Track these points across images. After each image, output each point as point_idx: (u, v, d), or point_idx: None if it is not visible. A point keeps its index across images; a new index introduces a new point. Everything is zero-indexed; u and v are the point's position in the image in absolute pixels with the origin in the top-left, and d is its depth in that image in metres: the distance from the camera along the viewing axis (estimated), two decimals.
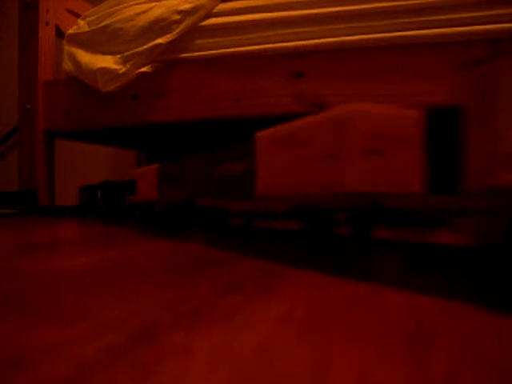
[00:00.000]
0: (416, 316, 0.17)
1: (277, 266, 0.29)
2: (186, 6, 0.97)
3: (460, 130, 0.26)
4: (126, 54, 1.00)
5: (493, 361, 0.13)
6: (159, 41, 0.97)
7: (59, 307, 0.19)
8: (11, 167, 1.47)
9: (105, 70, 1.01)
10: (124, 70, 1.00)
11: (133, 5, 1.04)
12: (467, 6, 0.80)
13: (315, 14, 0.89)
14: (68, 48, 1.13)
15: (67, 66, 1.12)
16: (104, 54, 1.05)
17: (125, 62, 1.00)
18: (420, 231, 0.31)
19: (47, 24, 1.21)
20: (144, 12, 1.01)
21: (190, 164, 0.62)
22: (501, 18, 0.78)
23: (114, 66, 1.01)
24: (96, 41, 1.08)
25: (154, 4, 1.02)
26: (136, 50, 0.99)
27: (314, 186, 0.36)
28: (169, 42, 0.97)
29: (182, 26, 0.96)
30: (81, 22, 1.14)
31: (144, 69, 1.00)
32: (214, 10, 0.98)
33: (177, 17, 0.97)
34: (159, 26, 0.98)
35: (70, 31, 1.15)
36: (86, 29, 1.11)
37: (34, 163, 1.16)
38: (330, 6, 0.88)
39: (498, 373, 0.12)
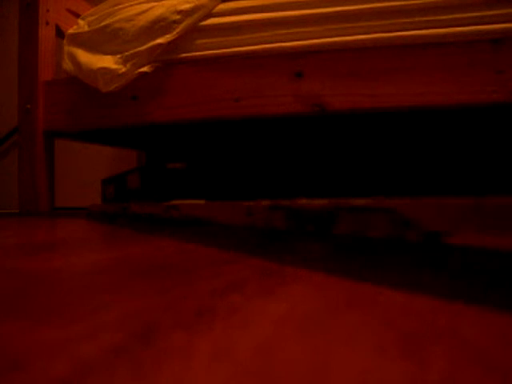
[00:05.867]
0: (416, 316, 0.17)
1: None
2: (186, 6, 0.97)
3: None
4: (126, 54, 1.00)
5: (491, 360, 0.13)
6: (159, 41, 0.97)
7: (60, 307, 0.19)
8: (11, 167, 1.47)
9: (105, 70, 1.01)
10: (124, 70, 1.00)
11: (133, 5, 1.04)
12: (468, 6, 0.80)
13: (315, 14, 0.89)
14: (68, 48, 1.13)
15: (67, 65, 1.12)
16: (104, 54, 1.05)
17: (125, 62, 1.00)
18: None
19: (47, 24, 1.20)
20: (144, 12, 1.01)
21: None
22: (501, 17, 0.78)
23: (114, 66, 1.00)
24: (96, 41, 1.08)
25: (154, 4, 1.02)
26: (136, 50, 0.99)
27: None
28: (169, 42, 0.97)
29: (182, 25, 0.96)
30: (81, 22, 1.14)
31: (144, 69, 1.00)
32: (214, 10, 0.98)
33: (177, 17, 0.96)
34: (159, 25, 0.97)
35: (70, 31, 1.15)
36: (86, 29, 1.11)
37: (34, 163, 1.16)
38: (329, 6, 0.88)
39: (497, 372, 0.12)
